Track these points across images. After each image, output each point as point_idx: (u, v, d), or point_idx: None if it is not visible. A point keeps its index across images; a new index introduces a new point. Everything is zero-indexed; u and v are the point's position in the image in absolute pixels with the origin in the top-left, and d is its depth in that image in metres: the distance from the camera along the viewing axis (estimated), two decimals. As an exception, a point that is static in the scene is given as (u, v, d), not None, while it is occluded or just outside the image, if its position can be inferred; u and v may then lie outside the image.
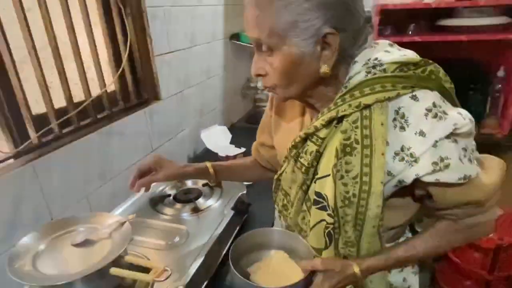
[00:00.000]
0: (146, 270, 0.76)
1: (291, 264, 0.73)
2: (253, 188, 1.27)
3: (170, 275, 0.76)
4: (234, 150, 1.63)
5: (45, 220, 0.94)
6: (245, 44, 2.09)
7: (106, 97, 1.17)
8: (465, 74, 1.87)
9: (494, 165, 0.67)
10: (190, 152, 1.67)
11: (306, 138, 0.68)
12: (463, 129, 0.58)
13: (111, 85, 1.22)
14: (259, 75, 0.67)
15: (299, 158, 0.70)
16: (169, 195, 1.21)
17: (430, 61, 0.64)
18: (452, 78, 0.66)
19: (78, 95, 1.11)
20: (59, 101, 1.04)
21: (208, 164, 0.94)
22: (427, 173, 0.59)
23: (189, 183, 1.28)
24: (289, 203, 0.78)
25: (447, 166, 0.58)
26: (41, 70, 0.95)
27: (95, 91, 1.14)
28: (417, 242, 0.72)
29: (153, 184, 1.30)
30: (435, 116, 0.58)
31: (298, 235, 0.77)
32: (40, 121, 0.97)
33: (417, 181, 0.61)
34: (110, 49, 1.21)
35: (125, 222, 0.81)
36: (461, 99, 0.68)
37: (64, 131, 1.03)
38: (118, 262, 0.73)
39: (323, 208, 0.67)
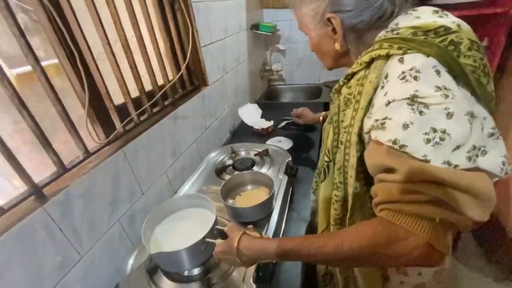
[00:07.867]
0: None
1: (260, 193, 0.89)
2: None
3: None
4: (266, 123, 1.53)
5: (137, 196, 0.86)
6: (263, 32, 1.91)
7: (169, 86, 1.05)
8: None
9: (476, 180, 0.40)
10: (230, 126, 1.56)
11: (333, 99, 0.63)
12: (429, 100, 0.41)
13: (170, 75, 1.08)
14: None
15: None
16: (229, 165, 1.13)
17: (455, 31, 0.46)
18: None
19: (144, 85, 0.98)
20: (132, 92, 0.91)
21: None
22: (369, 129, 0.48)
23: (242, 153, 1.19)
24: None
25: (383, 125, 0.45)
26: (117, 64, 0.82)
27: (158, 81, 1.01)
28: (322, 237, 0.50)
29: (212, 154, 1.21)
30: (403, 78, 0.44)
31: (262, 173, 0.95)
32: (121, 111, 0.86)
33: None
34: (167, 42, 1.06)
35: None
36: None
37: (141, 118, 0.91)
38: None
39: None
